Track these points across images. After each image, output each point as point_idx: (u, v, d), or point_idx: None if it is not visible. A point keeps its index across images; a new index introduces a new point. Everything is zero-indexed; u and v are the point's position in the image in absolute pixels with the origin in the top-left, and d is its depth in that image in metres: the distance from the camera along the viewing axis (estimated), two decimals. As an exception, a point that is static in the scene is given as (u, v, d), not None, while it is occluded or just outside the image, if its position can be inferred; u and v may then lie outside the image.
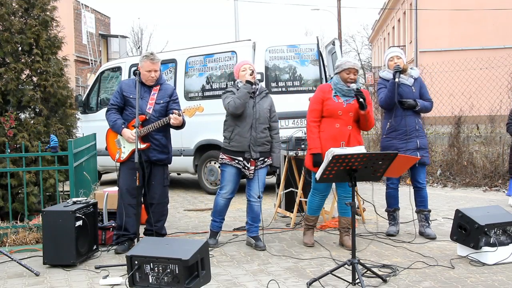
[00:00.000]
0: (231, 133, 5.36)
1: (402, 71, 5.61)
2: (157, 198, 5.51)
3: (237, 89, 5.37)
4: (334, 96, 5.26)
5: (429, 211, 5.83)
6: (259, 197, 5.45)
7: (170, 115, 5.27)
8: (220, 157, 5.47)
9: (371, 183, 6.46)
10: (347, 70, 5.21)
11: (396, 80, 5.53)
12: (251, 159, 5.35)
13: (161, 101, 5.44)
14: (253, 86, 5.37)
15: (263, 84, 8.39)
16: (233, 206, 7.30)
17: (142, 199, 5.53)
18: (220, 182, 5.53)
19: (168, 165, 5.67)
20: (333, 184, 5.80)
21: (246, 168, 5.36)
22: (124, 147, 5.43)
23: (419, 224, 5.81)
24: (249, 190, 5.48)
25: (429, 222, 5.82)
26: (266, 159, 5.44)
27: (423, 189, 5.78)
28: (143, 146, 5.33)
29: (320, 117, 5.29)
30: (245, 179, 5.55)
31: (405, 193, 5.91)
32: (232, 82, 8.59)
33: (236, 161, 5.36)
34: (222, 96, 5.47)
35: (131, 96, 5.39)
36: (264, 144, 5.39)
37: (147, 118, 5.34)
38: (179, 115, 5.25)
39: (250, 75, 5.34)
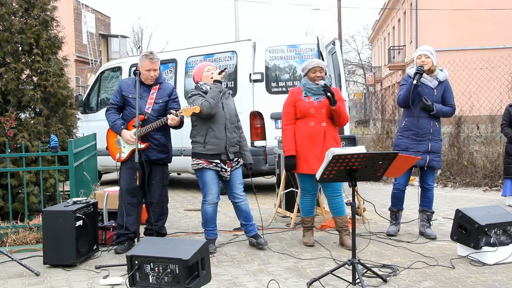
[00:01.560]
0: (205, 136, 5.25)
1: (428, 71, 5.53)
2: (157, 197, 5.52)
3: (203, 91, 5.27)
4: (305, 96, 5.38)
5: (433, 212, 5.82)
6: (243, 195, 5.41)
7: (168, 115, 5.26)
8: (195, 163, 5.33)
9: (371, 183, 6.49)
10: (312, 69, 5.37)
11: (414, 82, 5.43)
12: (228, 161, 5.32)
13: (160, 101, 5.44)
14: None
15: (263, 84, 8.42)
16: (232, 206, 7.30)
17: (143, 199, 5.53)
18: (202, 190, 5.39)
19: (168, 164, 5.68)
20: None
21: (224, 170, 5.32)
22: (124, 147, 5.44)
23: (420, 223, 5.81)
24: (231, 192, 5.43)
25: (430, 223, 5.82)
26: (239, 159, 5.44)
27: (430, 190, 5.76)
28: (142, 146, 5.33)
29: (294, 120, 5.40)
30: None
31: (407, 193, 5.90)
32: (232, 82, 8.60)
33: (214, 163, 5.29)
34: (189, 100, 5.34)
35: (130, 96, 5.39)
36: (236, 145, 5.40)
37: (145, 118, 5.34)
38: (176, 115, 5.24)
39: (219, 73, 5.29)
